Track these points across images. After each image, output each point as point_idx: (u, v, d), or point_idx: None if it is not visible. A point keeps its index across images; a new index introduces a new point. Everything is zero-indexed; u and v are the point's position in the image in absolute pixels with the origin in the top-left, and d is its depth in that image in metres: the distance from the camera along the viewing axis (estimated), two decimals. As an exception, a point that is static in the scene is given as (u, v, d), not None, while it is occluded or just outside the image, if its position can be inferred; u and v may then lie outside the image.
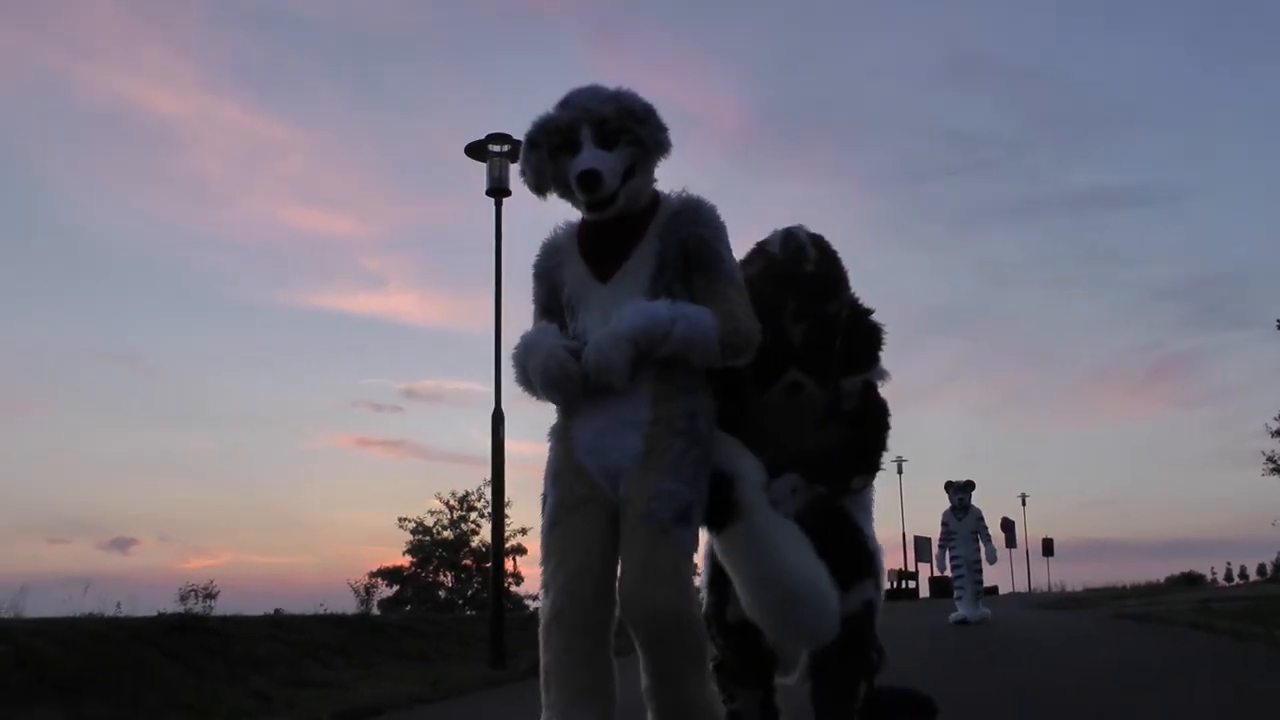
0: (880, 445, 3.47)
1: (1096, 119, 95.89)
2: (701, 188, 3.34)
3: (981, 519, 15.49)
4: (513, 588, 26.15)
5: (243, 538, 49.71)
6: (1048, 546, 60.28)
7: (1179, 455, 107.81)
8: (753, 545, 3.13)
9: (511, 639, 11.20)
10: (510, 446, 11.96)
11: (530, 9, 65.77)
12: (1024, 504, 64.98)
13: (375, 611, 19.21)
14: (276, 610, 13.16)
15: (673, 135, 3.28)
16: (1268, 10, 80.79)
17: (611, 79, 3.34)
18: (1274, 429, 27.35)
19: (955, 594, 15.56)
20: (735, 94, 72.60)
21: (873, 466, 3.47)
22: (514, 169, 11.92)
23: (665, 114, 3.29)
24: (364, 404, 60.79)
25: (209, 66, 58.31)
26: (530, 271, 3.45)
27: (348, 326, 62.60)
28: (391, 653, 11.30)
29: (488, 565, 27.40)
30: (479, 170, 12.57)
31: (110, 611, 10.09)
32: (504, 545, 12.98)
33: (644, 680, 3.05)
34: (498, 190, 12.22)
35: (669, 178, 3.35)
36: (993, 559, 15.55)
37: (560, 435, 3.25)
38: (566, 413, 3.25)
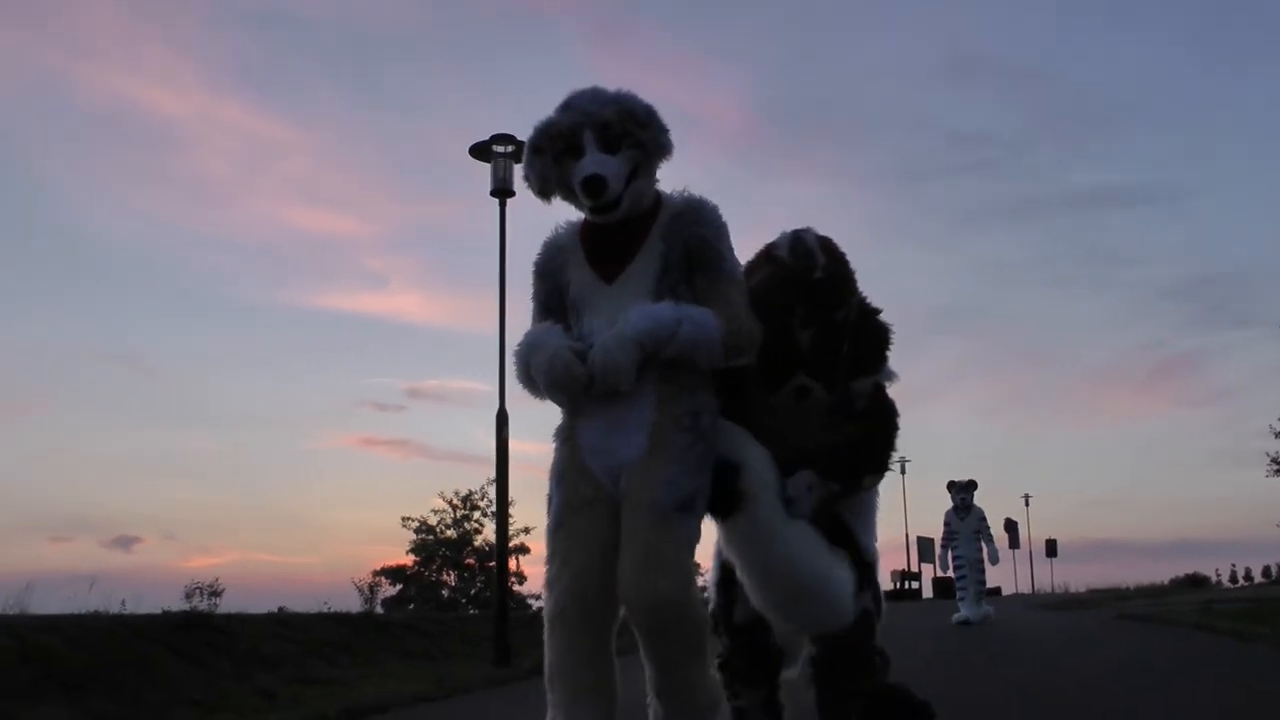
0: (890, 446, 3.51)
1: (1098, 118, 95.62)
2: (703, 188, 3.37)
3: (984, 519, 15.48)
4: (516, 587, 26.16)
5: (246, 536, 49.74)
6: (1051, 547, 60.26)
7: (1183, 455, 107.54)
8: (759, 535, 3.15)
9: (515, 638, 11.24)
10: (514, 446, 11.99)
11: (531, 9, 65.70)
12: (1027, 504, 64.98)
13: (379, 610, 19.20)
14: (280, 608, 13.19)
15: (674, 135, 3.31)
16: (1269, 9, 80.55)
17: (612, 79, 3.37)
18: (1278, 429, 27.25)
19: (958, 595, 15.56)
20: (736, 94, 72.62)
21: (882, 466, 3.51)
22: (518, 170, 12.06)
23: (666, 114, 3.32)
24: (367, 403, 60.70)
25: (211, 66, 58.31)
26: (530, 269, 3.48)
27: (351, 326, 62.56)
28: (396, 651, 11.33)
29: (491, 564, 27.55)
30: (481, 170, 12.61)
31: (115, 609, 10.12)
32: (508, 544, 12.98)
33: (647, 669, 3.08)
34: (502, 191, 12.26)
35: (670, 177, 3.38)
36: (995, 559, 15.55)
37: (565, 436, 3.28)
38: (572, 413, 3.28)
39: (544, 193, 3.33)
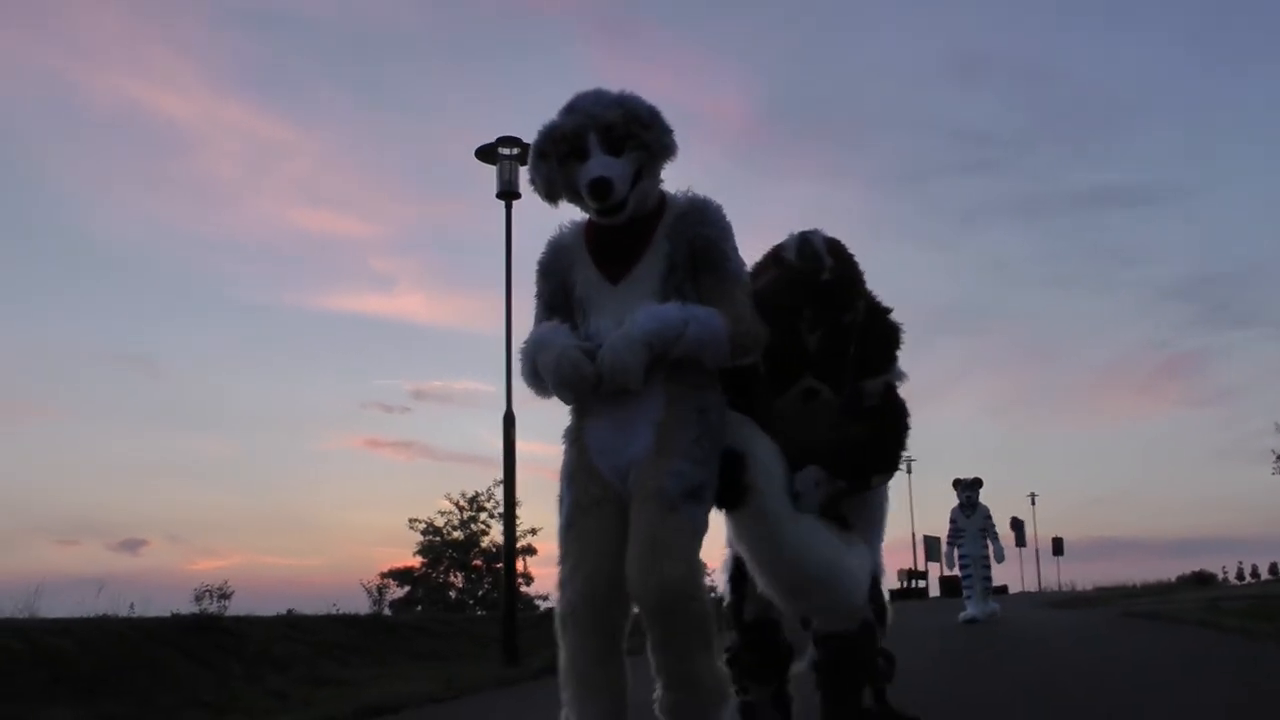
0: (899, 445, 3.52)
1: (1100, 118, 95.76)
2: (706, 187, 3.38)
3: (989, 517, 15.44)
4: (523, 588, 26.18)
5: (253, 539, 49.74)
6: (1057, 546, 60.27)
7: (1188, 453, 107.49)
8: (766, 527, 3.17)
9: (524, 638, 11.27)
10: (520, 447, 12.02)
11: (531, 9, 65.83)
12: (1033, 503, 64.93)
13: (387, 613, 19.25)
14: (289, 611, 13.25)
15: (677, 135, 3.31)
16: (1270, 9, 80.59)
17: (615, 79, 3.41)
18: (1283, 426, 27.19)
19: (964, 593, 15.56)
20: (738, 93, 72.59)
21: (891, 465, 3.51)
22: (523, 172, 12.09)
23: (669, 114, 3.32)
24: (373, 405, 60.97)
25: (214, 68, 58.47)
26: (535, 268, 3.49)
27: (356, 328, 62.69)
28: (405, 652, 11.38)
29: (498, 565, 27.56)
30: (486, 171, 12.67)
31: (123, 612, 10.17)
32: (516, 545, 13.02)
33: (653, 661, 3.09)
34: (508, 193, 12.31)
35: (673, 177, 3.39)
36: (1000, 557, 15.52)
37: (574, 437, 3.30)
38: (579, 413, 3.31)
39: (550, 196, 3.35)
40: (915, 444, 3.60)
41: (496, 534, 28.26)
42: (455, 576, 29.32)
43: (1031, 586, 59.71)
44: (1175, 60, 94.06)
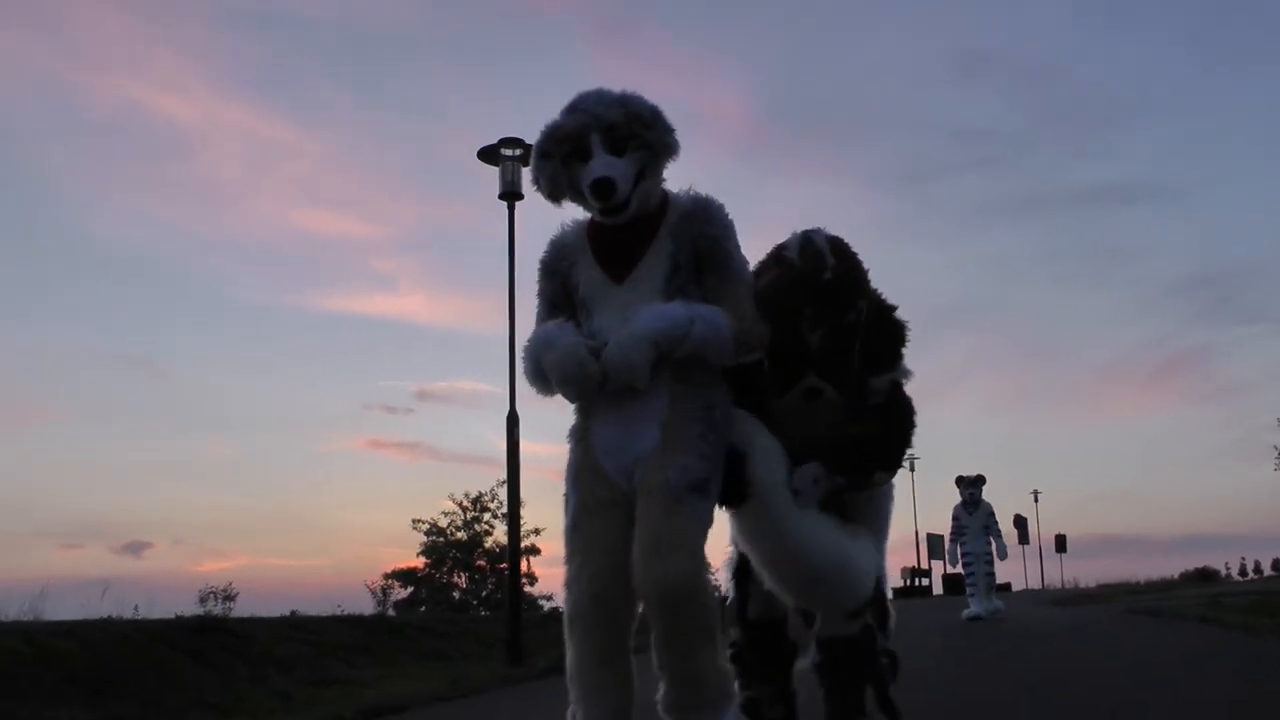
0: (903, 443, 3.50)
1: (1101, 115, 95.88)
2: (707, 187, 3.40)
3: (992, 514, 15.45)
4: (527, 588, 26.18)
5: (257, 540, 49.78)
6: (1061, 543, 60.17)
7: (1192, 450, 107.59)
8: (768, 524, 3.19)
9: (528, 638, 11.32)
10: (524, 447, 12.04)
11: (532, 9, 65.85)
12: (1036, 500, 64.84)
13: (390, 613, 19.28)
14: (293, 612, 13.28)
15: (679, 135, 3.33)
16: (1271, 7, 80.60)
17: (615, 79, 3.41)
18: (1284, 422, 27.20)
19: (968, 590, 15.57)
20: (740, 93, 72.62)
21: (894, 462, 3.50)
22: (526, 173, 12.10)
23: (670, 114, 3.34)
24: (377, 406, 61.02)
25: (216, 69, 58.50)
26: (536, 267, 3.51)
27: (359, 328, 62.70)
28: (410, 653, 11.41)
29: (501, 566, 27.56)
30: (487, 172, 12.70)
31: (128, 614, 10.20)
32: (520, 545, 13.04)
33: (655, 656, 3.10)
34: (510, 194, 12.33)
35: (675, 177, 3.41)
36: (1003, 555, 15.54)
37: (580, 436, 3.32)
38: (585, 413, 3.32)
39: (554, 196, 3.37)
40: (918, 442, 3.60)
41: (500, 534, 28.27)
42: (459, 577, 29.31)
43: (1035, 584, 59.70)
44: (1176, 58, 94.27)
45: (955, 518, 15.48)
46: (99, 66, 53.64)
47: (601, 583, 3.13)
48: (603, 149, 3.22)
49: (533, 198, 3.46)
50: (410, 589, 28.60)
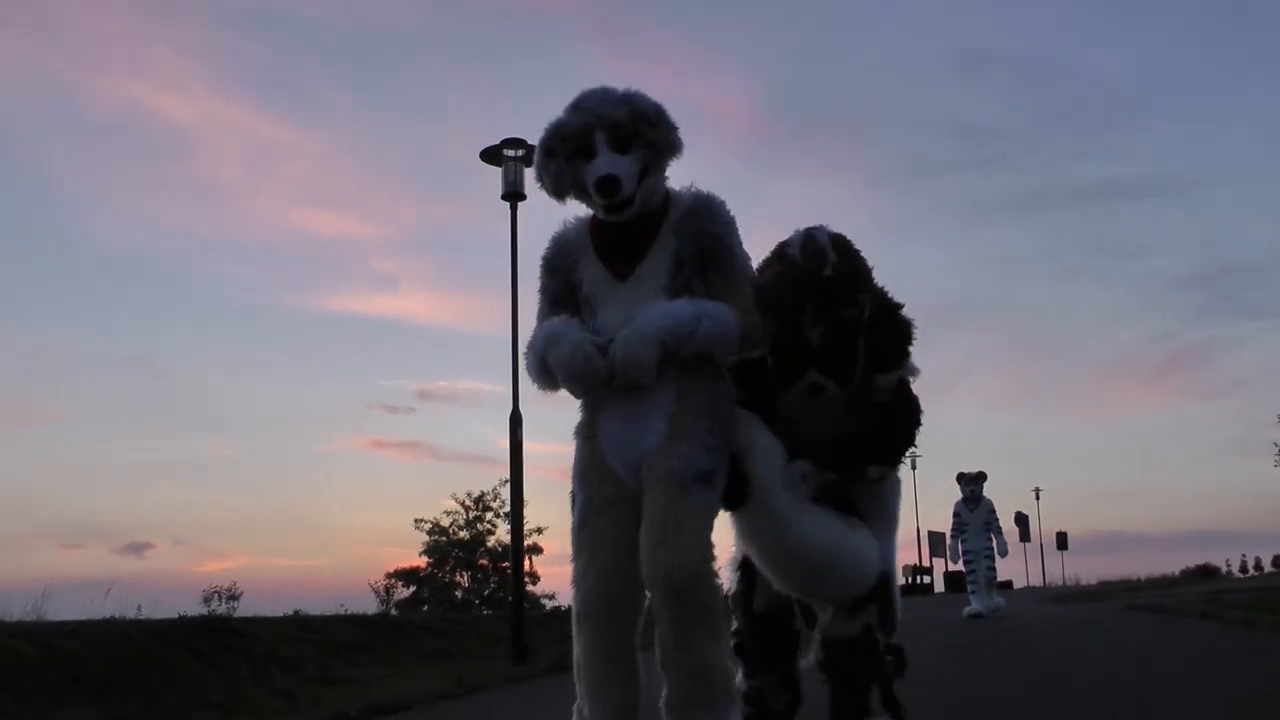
0: (903, 438, 3.50)
1: (1104, 111, 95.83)
2: (709, 185, 3.41)
3: (993, 511, 15.45)
4: (530, 587, 26.21)
5: (258, 540, 49.69)
6: (1062, 540, 60.18)
7: (1194, 447, 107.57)
8: (769, 521, 3.21)
9: (531, 636, 11.36)
10: (526, 446, 12.05)
11: (533, 9, 65.70)
12: (1038, 498, 64.86)
13: (393, 612, 19.30)
14: (296, 611, 13.31)
15: (681, 133, 3.35)
16: (1275, 3, 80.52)
17: (616, 78, 3.41)
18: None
19: (969, 588, 15.59)
20: (741, 91, 72.49)
21: (889, 457, 3.49)
22: (529, 173, 12.10)
23: (672, 112, 3.36)
24: (378, 406, 60.72)
25: (216, 69, 58.30)
26: (539, 264, 3.52)
27: (360, 328, 62.60)
28: (414, 652, 11.43)
29: (504, 565, 27.61)
30: (489, 172, 12.71)
31: (130, 614, 10.21)
32: (524, 545, 13.07)
33: (659, 651, 3.11)
34: (513, 195, 12.34)
35: (677, 174, 3.43)
36: (1004, 552, 15.54)
37: (586, 434, 3.34)
38: (591, 409, 3.34)
39: (558, 193, 3.39)
40: (920, 439, 3.60)
41: (502, 534, 28.29)
42: (461, 576, 29.32)
43: (1036, 581, 59.78)
44: (1178, 53, 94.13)
45: (956, 514, 15.49)
46: (99, 67, 53.58)
47: (608, 580, 3.15)
48: (607, 147, 3.24)
49: (535, 198, 3.49)
50: (412, 588, 28.61)
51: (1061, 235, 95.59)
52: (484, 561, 29.06)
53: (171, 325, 56.49)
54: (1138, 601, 18.58)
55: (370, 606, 18.67)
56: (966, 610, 14.86)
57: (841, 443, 3.34)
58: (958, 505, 15.49)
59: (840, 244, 3.42)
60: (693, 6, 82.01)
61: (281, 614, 12.37)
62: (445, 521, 29.20)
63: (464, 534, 29.11)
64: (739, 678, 3.68)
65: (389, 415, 55.68)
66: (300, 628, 10.98)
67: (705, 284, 3.29)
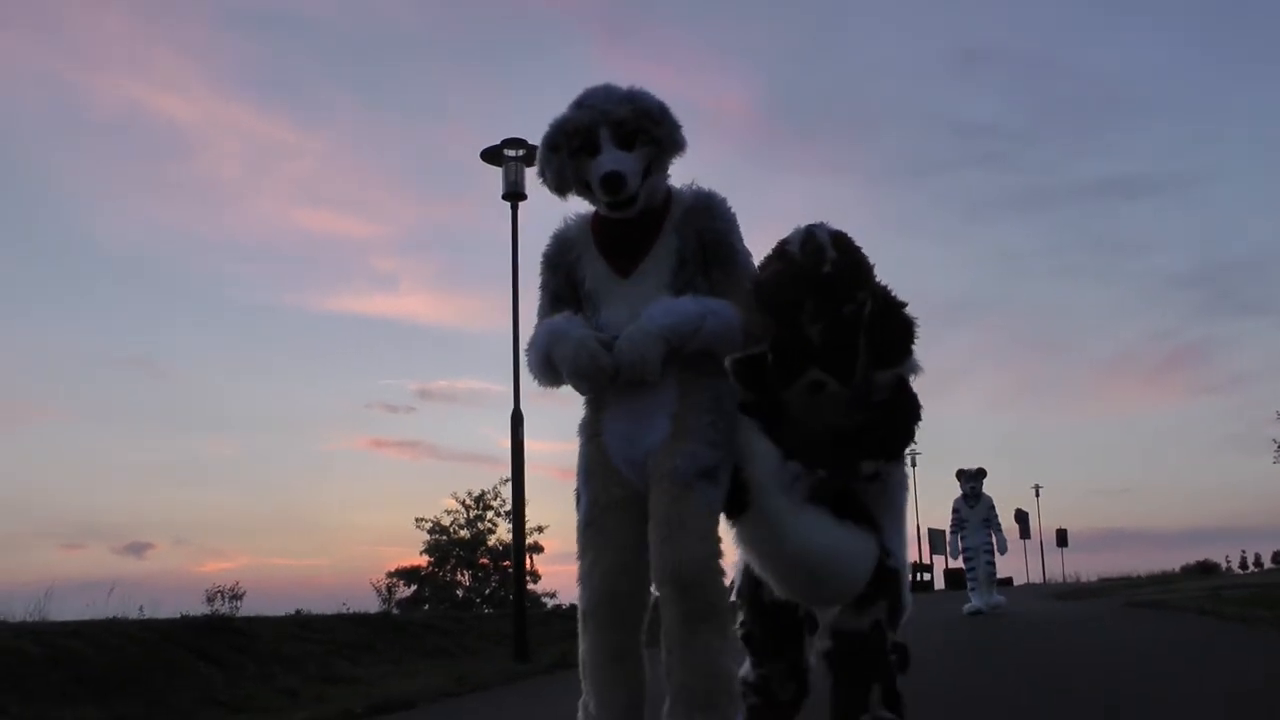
0: (899, 434, 3.51)
1: (1105, 108, 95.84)
2: (712, 182, 3.43)
3: (993, 508, 15.44)
4: (530, 585, 26.24)
5: (259, 540, 49.65)
6: (1062, 537, 60.20)
7: (1194, 443, 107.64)
8: (767, 527, 3.22)
9: (532, 634, 11.40)
10: (526, 445, 12.05)
11: (534, 8, 65.76)
12: (1038, 495, 64.92)
13: (395, 611, 19.32)
14: (298, 610, 13.34)
15: (684, 131, 3.36)
16: (1275, 2, 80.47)
17: (617, 76, 3.38)
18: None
19: (969, 585, 15.61)
20: (743, 89, 72.43)
21: (885, 452, 3.48)
22: (529, 173, 12.18)
23: (674, 110, 3.38)
24: (378, 405, 60.74)
25: (216, 69, 58.33)
26: (539, 261, 3.53)
27: (360, 328, 62.61)
28: (416, 650, 11.45)
29: (504, 564, 27.66)
30: (488, 172, 12.71)
31: (133, 614, 10.23)
32: (525, 544, 13.10)
33: (665, 644, 3.11)
34: (514, 195, 12.37)
35: (679, 172, 3.45)
36: (1003, 549, 15.53)
37: (591, 432, 3.35)
38: (595, 406, 3.36)
39: (560, 189, 3.40)
40: (921, 436, 3.61)
41: (503, 532, 28.34)
42: (462, 575, 29.37)
43: (1036, 578, 59.82)
44: (1178, 51, 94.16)
45: (955, 510, 15.49)
46: (99, 66, 53.56)
47: (614, 580, 3.18)
48: (611, 143, 3.25)
49: (535, 198, 3.52)
50: (413, 587, 28.65)
51: (1062, 233, 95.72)
52: (484, 560, 29.10)
53: (172, 325, 56.51)
54: (1138, 598, 18.62)
55: (371, 606, 18.69)
56: (967, 607, 14.87)
57: (835, 439, 3.35)
58: (957, 501, 15.49)
59: (840, 241, 3.41)
60: (693, 5, 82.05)
61: (283, 613, 12.40)
62: (446, 521, 29.27)
63: (464, 533, 29.15)
64: (746, 667, 3.71)
65: (389, 415, 55.69)
66: (302, 627, 11.01)
67: (708, 281, 3.31)
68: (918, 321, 3.52)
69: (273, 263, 62.05)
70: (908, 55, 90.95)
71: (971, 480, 15.46)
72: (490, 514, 29.15)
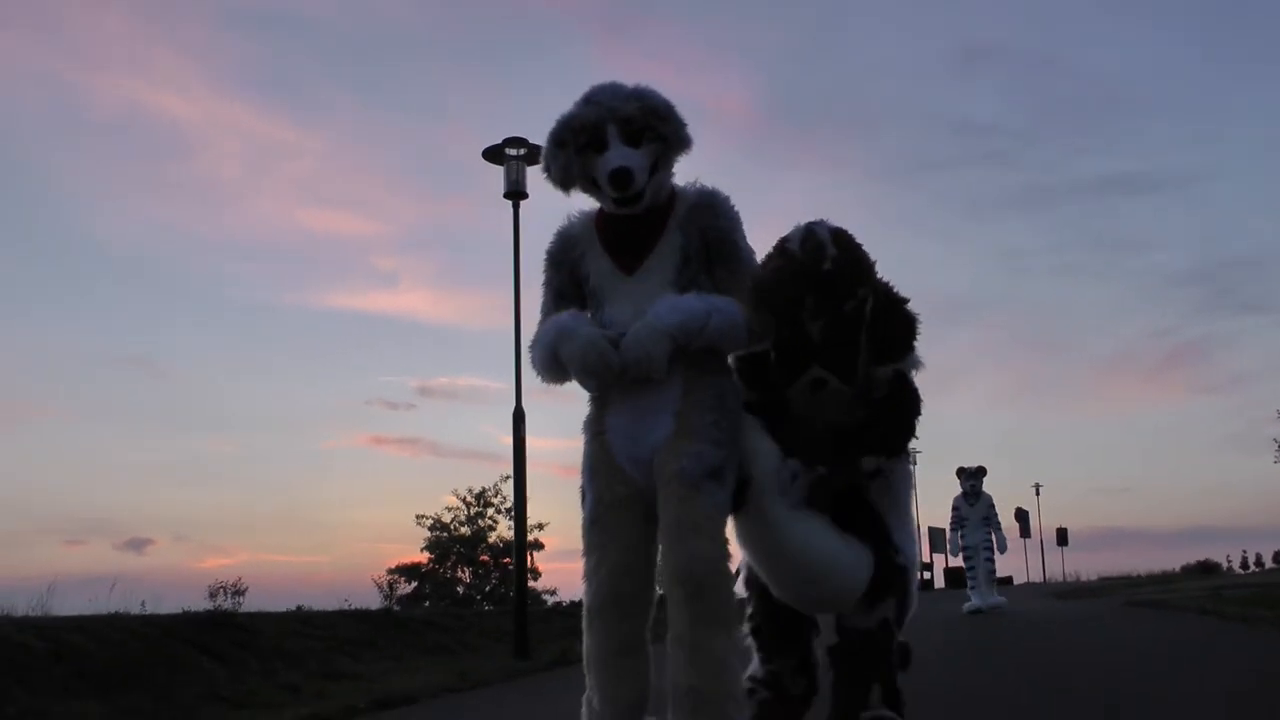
0: (899, 429, 3.51)
1: (1106, 106, 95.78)
2: (712, 180, 3.46)
3: (993, 506, 15.44)
4: (530, 582, 26.24)
5: (259, 537, 49.79)
6: (1062, 536, 60.14)
7: (1194, 442, 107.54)
8: (765, 526, 3.25)
9: (533, 631, 11.43)
10: (527, 442, 12.08)
11: (534, 7, 65.67)
12: (1038, 494, 64.85)
13: (395, 608, 19.35)
14: (299, 607, 13.35)
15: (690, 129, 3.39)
16: (1275, 2, 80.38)
17: (618, 75, 3.41)
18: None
19: (968, 583, 15.62)
20: (743, 87, 72.41)
21: (885, 448, 3.48)
22: (530, 172, 12.20)
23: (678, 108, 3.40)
24: (378, 402, 60.64)
25: (217, 69, 58.40)
26: (543, 258, 3.55)
27: (360, 325, 62.65)
28: (417, 646, 11.47)
29: (505, 561, 27.68)
30: (488, 171, 12.72)
31: (135, 610, 10.26)
32: (526, 541, 13.12)
33: (672, 643, 3.13)
34: (515, 193, 12.39)
35: (681, 170, 3.47)
36: (1003, 547, 15.54)
37: (595, 430, 3.37)
38: (599, 403, 3.38)
39: (565, 184, 3.42)
40: (920, 434, 3.61)
41: (503, 529, 28.39)
42: (462, 572, 29.40)
43: (1036, 577, 59.79)
44: (1179, 49, 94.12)
45: (955, 508, 15.50)
46: (99, 66, 53.61)
47: (618, 578, 3.21)
48: (619, 140, 3.28)
49: (536, 197, 3.54)
50: (414, 584, 28.69)
51: (1062, 231, 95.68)
52: (485, 557, 29.13)
53: (172, 324, 56.55)
54: (1138, 597, 18.62)
55: (372, 602, 18.73)
56: (966, 606, 14.86)
57: (835, 435, 3.37)
58: (957, 499, 15.49)
59: (841, 238, 3.43)
60: (693, 4, 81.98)
61: (284, 609, 12.41)
62: (446, 518, 29.30)
63: (465, 530, 29.18)
64: (755, 665, 3.72)
65: (389, 412, 55.81)
66: (304, 623, 11.01)
67: (711, 279, 3.33)
68: (920, 317, 3.53)
69: (273, 261, 62.15)
70: (908, 54, 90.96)
71: (972, 478, 15.46)
72: (491, 511, 29.20)
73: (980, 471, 15.57)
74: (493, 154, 12.51)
